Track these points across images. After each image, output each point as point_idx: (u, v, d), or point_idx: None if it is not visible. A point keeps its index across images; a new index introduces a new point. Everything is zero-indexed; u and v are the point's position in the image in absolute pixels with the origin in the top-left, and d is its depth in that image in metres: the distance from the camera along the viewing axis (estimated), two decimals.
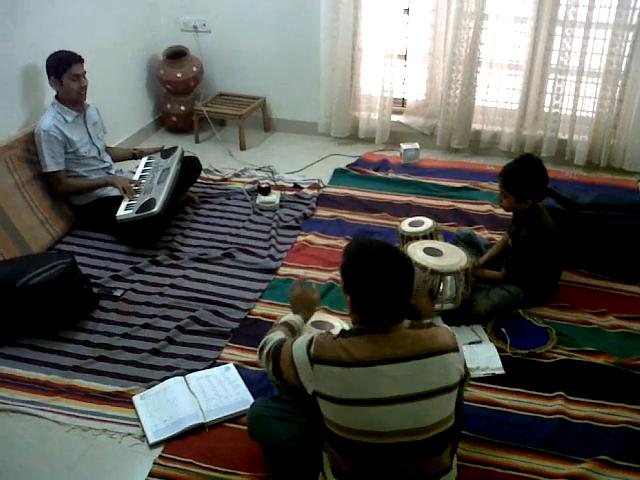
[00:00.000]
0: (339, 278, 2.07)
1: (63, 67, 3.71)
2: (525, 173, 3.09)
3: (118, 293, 3.40)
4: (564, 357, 2.94)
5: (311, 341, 1.99)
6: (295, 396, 2.22)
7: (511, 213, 3.28)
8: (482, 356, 2.91)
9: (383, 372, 1.89)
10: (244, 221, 4.09)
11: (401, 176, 4.62)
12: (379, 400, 1.89)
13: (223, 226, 4.04)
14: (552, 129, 4.68)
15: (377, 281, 1.90)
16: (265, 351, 2.19)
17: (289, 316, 2.48)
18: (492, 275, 3.27)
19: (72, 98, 3.79)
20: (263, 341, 2.26)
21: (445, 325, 2.08)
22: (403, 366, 1.90)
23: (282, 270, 3.59)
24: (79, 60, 3.77)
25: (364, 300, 1.94)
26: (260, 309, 3.29)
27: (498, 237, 3.68)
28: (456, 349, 2.00)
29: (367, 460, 1.96)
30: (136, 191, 3.85)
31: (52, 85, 3.77)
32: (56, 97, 3.81)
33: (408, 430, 1.91)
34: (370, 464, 1.96)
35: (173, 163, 4.02)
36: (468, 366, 2.15)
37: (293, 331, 2.37)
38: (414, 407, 1.91)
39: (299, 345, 2.02)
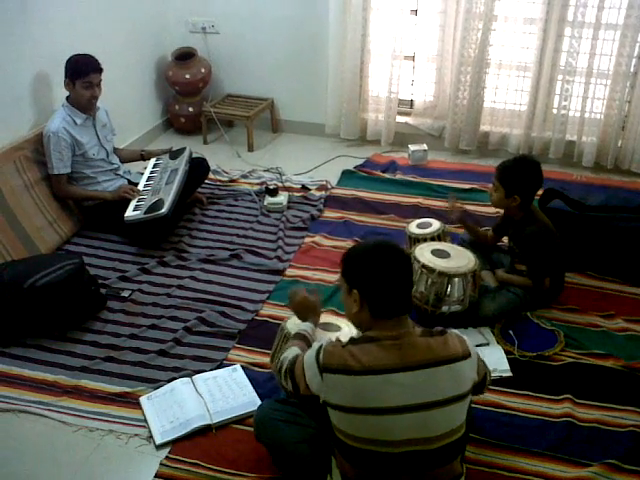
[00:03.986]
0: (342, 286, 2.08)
1: (79, 73, 3.70)
2: (519, 168, 3.12)
3: (126, 294, 3.41)
4: (572, 360, 2.93)
5: (319, 350, 1.98)
6: (308, 403, 2.21)
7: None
8: (489, 358, 2.87)
9: (393, 380, 1.88)
10: (252, 222, 4.09)
11: (409, 177, 4.61)
12: (388, 409, 1.88)
13: (231, 227, 4.05)
14: (560, 130, 4.66)
15: (379, 264, 1.94)
16: (283, 371, 2.18)
17: (300, 326, 2.46)
18: (518, 282, 3.22)
19: (82, 104, 3.80)
20: (280, 362, 2.24)
21: (456, 331, 2.06)
22: (413, 374, 1.89)
23: (289, 271, 3.59)
24: (97, 70, 3.75)
25: (371, 287, 1.95)
26: (267, 310, 3.29)
27: (505, 239, 3.66)
28: (468, 356, 1.99)
29: (376, 469, 1.95)
30: (143, 193, 3.86)
31: (65, 86, 3.77)
32: (67, 98, 3.82)
33: (418, 439, 1.90)
34: (379, 473, 1.95)
35: (181, 164, 4.02)
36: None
37: (307, 341, 2.34)
38: (424, 416, 1.89)
39: (309, 356, 2.02)
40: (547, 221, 3.19)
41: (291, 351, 2.23)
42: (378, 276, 1.94)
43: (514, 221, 3.23)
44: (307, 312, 2.50)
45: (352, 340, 1.99)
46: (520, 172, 3.11)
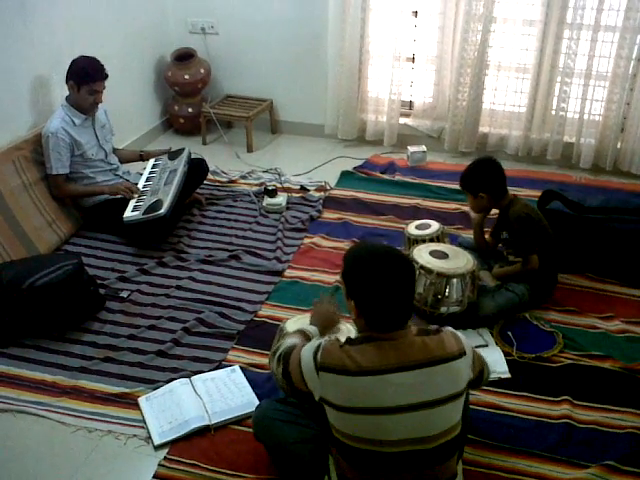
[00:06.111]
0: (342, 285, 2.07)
1: (87, 79, 3.69)
2: (471, 171, 3.31)
3: (124, 294, 3.41)
4: (570, 361, 2.93)
5: (318, 347, 1.97)
6: (301, 401, 2.22)
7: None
8: (488, 360, 2.83)
9: (390, 380, 1.88)
10: (251, 223, 4.09)
11: (408, 179, 4.62)
12: (385, 409, 1.88)
13: (230, 228, 4.04)
14: (559, 132, 4.67)
15: (379, 282, 1.90)
16: (277, 355, 2.17)
17: (305, 326, 2.44)
18: (511, 270, 3.28)
19: (84, 108, 3.80)
20: (276, 346, 2.24)
21: (452, 329, 2.06)
22: (410, 374, 1.89)
23: (288, 272, 3.59)
24: (104, 77, 3.75)
25: (367, 303, 1.93)
26: (266, 311, 3.29)
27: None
28: (463, 354, 1.98)
29: (373, 468, 1.95)
30: (142, 193, 3.86)
31: (68, 88, 3.76)
32: (67, 99, 3.82)
33: (415, 439, 1.90)
34: (376, 472, 1.95)
35: (180, 165, 4.02)
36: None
37: (308, 339, 2.31)
38: (421, 416, 1.89)
39: (307, 351, 2.01)
40: (528, 204, 3.33)
41: (290, 340, 2.22)
42: (374, 295, 1.91)
43: (501, 212, 3.32)
44: (323, 321, 2.43)
45: (349, 340, 1.98)
46: (472, 173, 3.30)
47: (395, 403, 1.87)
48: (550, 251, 3.26)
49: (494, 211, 3.39)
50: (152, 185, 3.93)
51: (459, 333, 2.05)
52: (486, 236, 3.50)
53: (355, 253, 2.04)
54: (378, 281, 1.90)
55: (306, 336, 2.31)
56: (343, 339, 2.00)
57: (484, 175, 3.26)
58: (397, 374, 1.88)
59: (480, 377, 2.17)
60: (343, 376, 1.89)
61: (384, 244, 2.09)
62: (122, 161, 4.20)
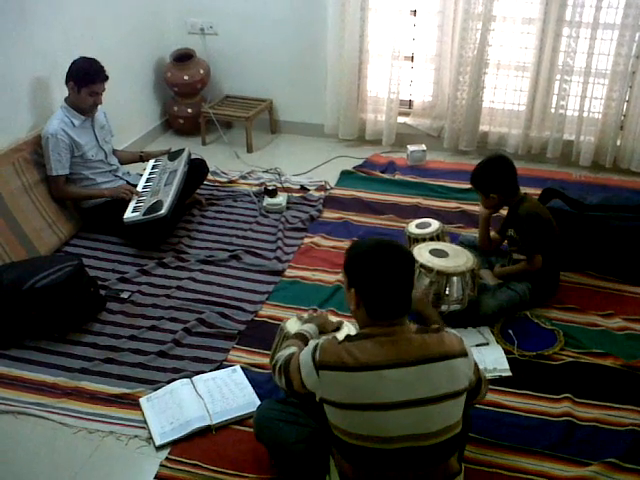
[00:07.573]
0: (343, 279, 2.08)
1: (86, 81, 3.69)
2: (483, 171, 3.27)
3: (125, 295, 3.41)
4: (571, 359, 2.94)
5: (316, 347, 1.99)
6: (303, 402, 2.22)
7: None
8: (489, 358, 2.90)
9: (388, 376, 1.88)
10: (251, 223, 4.09)
11: (408, 178, 4.62)
12: (384, 405, 1.88)
13: (230, 228, 4.05)
14: (558, 130, 4.67)
15: (379, 267, 1.92)
16: (277, 367, 2.19)
17: (303, 327, 2.46)
18: (514, 269, 3.28)
19: (83, 109, 3.80)
20: (275, 358, 2.25)
21: (454, 331, 2.07)
22: (409, 371, 1.89)
23: (289, 272, 3.59)
24: (104, 79, 3.75)
25: (367, 288, 1.95)
26: (267, 311, 3.29)
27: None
28: (464, 354, 1.99)
29: (373, 466, 1.95)
30: (142, 194, 3.86)
31: (68, 88, 3.76)
32: (66, 100, 3.82)
33: (414, 435, 1.90)
34: (376, 470, 1.95)
35: (180, 165, 4.02)
36: None
37: (306, 341, 2.32)
38: (420, 412, 1.89)
39: (305, 354, 2.03)
40: (539, 204, 3.32)
41: (288, 349, 2.24)
42: (376, 280, 1.94)
43: (510, 209, 3.30)
44: (324, 326, 2.52)
45: (348, 337, 2.00)
46: (483, 173, 3.26)
47: (393, 399, 1.88)
48: (554, 252, 3.25)
49: (502, 210, 3.39)
50: (152, 186, 3.93)
51: (461, 336, 2.05)
52: (492, 233, 3.49)
53: (356, 244, 2.11)
54: (378, 266, 1.93)
55: (304, 339, 2.33)
56: (341, 338, 2.01)
57: (495, 175, 3.22)
58: (395, 370, 1.89)
59: (478, 386, 2.15)
60: (342, 372, 1.90)
61: (384, 237, 2.11)
62: (122, 162, 4.20)
